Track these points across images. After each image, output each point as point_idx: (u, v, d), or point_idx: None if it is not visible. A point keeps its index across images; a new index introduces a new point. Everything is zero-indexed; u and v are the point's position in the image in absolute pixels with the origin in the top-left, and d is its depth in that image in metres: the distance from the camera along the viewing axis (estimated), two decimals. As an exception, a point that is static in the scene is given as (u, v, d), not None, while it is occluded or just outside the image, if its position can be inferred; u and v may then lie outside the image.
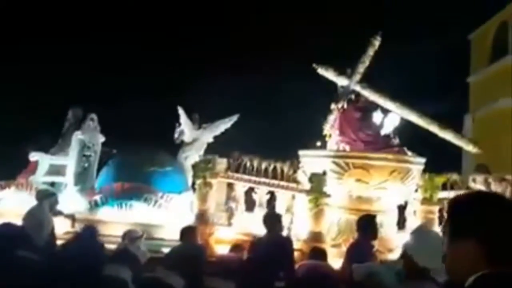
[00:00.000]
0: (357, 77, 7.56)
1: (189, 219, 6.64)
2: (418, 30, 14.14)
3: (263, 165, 7.03)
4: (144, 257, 5.27)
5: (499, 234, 1.11)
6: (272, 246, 4.79)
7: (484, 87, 15.70)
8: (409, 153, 7.25)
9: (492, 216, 1.14)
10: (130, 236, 5.36)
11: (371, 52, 7.56)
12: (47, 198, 5.19)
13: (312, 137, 8.08)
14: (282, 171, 7.77)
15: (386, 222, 7.20)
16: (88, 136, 7.78)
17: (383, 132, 7.34)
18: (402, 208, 7.58)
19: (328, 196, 6.53)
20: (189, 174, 8.00)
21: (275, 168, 7.53)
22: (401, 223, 7.65)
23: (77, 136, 7.56)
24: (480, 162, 12.47)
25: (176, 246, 5.60)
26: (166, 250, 6.05)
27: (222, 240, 6.46)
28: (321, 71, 7.64)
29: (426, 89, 13.58)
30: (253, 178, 6.90)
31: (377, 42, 7.55)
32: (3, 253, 4.51)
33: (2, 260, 4.48)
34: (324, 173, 6.61)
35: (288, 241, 5.05)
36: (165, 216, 6.80)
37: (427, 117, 7.65)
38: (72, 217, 6.70)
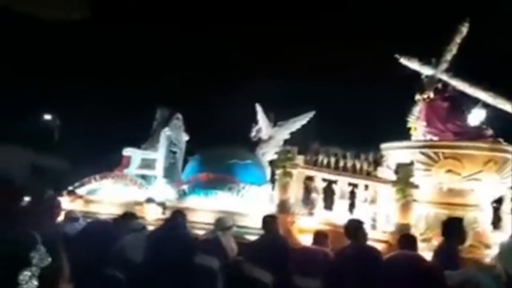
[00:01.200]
0: (444, 65, 7.22)
1: (270, 209, 6.72)
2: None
3: (344, 162, 6.90)
4: (232, 251, 5.42)
5: None
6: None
7: None
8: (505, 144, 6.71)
9: None
10: (221, 225, 5.56)
11: (458, 39, 7.20)
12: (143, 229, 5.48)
13: (390, 131, 7.82)
14: (361, 166, 7.60)
15: (481, 217, 6.70)
16: (174, 134, 8.31)
17: None
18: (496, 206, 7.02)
19: (416, 187, 6.24)
20: (267, 169, 8.16)
21: (354, 163, 7.37)
22: (496, 222, 7.08)
23: (166, 133, 8.10)
24: None
25: (258, 237, 5.68)
26: (249, 237, 6.20)
27: (304, 230, 6.44)
28: (404, 61, 7.42)
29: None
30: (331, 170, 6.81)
31: (464, 29, 7.19)
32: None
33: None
34: (412, 163, 6.34)
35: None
36: (247, 205, 6.96)
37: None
38: (163, 205, 7.12)
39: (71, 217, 6.11)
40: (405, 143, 6.95)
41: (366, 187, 6.56)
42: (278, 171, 6.74)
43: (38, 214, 5.87)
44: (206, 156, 7.63)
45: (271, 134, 8.55)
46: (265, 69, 11.32)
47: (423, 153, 6.49)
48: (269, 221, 5.64)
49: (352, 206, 6.69)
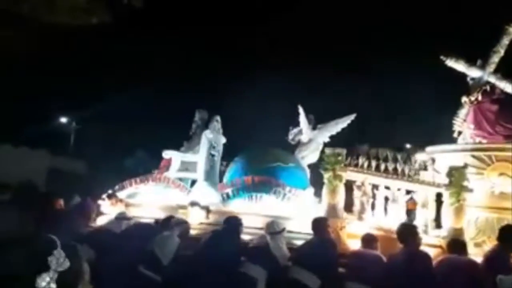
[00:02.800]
0: (492, 67, 7.12)
1: (316, 213, 6.64)
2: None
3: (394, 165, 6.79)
4: (284, 257, 5.33)
5: None
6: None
7: None
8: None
9: None
10: (271, 230, 5.48)
11: (506, 41, 7.10)
12: (178, 226, 5.46)
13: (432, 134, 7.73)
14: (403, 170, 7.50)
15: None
16: (213, 137, 8.25)
17: None
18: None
19: (470, 190, 6.13)
20: (308, 173, 8.09)
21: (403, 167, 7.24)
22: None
23: (207, 135, 8.03)
24: None
25: (308, 240, 5.60)
26: (295, 242, 6.10)
27: (354, 235, 6.34)
28: (450, 63, 7.32)
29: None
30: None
31: (512, 30, 7.08)
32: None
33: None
34: (465, 166, 6.23)
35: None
36: (293, 209, 6.88)
37: None
38: (206, 209, 7.05)
39: (121, 217, 6.15)
40: (455, 146, 6.86)
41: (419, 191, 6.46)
42: (327, 174, 6.65)
43: (64, 219, 5.94)
44: (249, 159, 7.57)
45: (311, 137, 8.46)
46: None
47: (475, 156, 6.38)
48: (319, 223, 5.57)
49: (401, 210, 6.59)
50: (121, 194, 7.55)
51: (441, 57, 7.40)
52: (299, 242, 5.89)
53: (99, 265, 4.24)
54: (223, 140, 8.62)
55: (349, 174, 6.65)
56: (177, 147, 8.65)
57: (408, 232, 5.15)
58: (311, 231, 5.59)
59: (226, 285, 4.88)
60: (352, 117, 8.45)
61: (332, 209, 6.64)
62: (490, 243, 6.11)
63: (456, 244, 5.26)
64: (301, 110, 8.22)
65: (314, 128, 8.62)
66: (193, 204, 7.10)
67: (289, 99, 8.76)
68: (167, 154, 8.25)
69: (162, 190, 7.78)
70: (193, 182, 8.17)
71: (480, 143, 6.72)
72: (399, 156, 6.54)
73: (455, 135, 7.50)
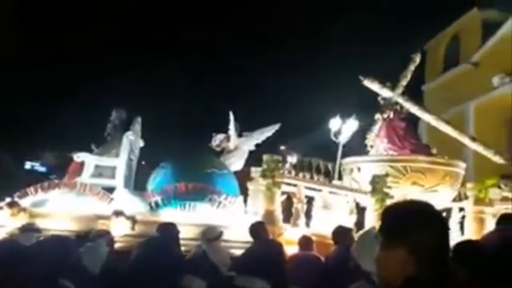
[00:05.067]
0: (400, 89, 8.11)
1: (252, 221, 6.56)
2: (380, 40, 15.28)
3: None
4: (224, 264, 5.10)
5: (424, 243, 1.19)
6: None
7: (437, 95, 15.99)
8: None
9: (418, 226, 1.21)
10: (208, 236, 5.19)
11: (412, 67, 8.19)
12: (101, 237, 4.96)
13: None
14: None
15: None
16: (134, 139, 7.55)
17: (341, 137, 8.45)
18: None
19: (392, 197, 6.81)
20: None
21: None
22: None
23: (128, 137, 7.30)
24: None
25: (249, 247, 5.50)
26: (234, 251, 5.92)
27: (291, 241, 6.43)
28: (367, 83, 8.11)
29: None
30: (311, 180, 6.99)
31: (417, 59, 8.22)
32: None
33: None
34: (387, 175, 6.91)
35: None
36: (228, 217, 6.65)
37: (458, 129, 8.36)
38: (132, 219, 6.34)
39: (28, 228, 5.19)
40: (378, 157, 7.55)
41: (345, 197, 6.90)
42: (265, 181, 6.63)
43: None
44: (181, 165, 7.06)
45: (237, 144, 8.38)
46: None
47: (392, 167, 7.13)
48: (257, 227, 5.47)
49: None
50: (24, 202, 6.29)
51: (360, 76, 8.16)
52: (237, 251, 5.71)
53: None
54: (141, 143, 7.94)
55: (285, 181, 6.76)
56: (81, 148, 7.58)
57: (341, 232, 5.33)
58: (249, 239, 5.44)
59: None
60: (277, 126, 8.67)
61: (269, 215, 6.64)
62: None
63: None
64: (231, 116, 8.09)
65: (240, 135, 8.57)
66: (118, 213, 6.31)
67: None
68: (79, 157, 7.19)
69: (74, 198, 6.73)
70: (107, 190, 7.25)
71: (399, 155, 7.57)
72: (329, 166, 6.92)
73: (368, 148, 8.29)
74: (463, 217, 7.30)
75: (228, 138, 8.25)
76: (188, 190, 6.67)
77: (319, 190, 6.81)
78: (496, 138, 9.99)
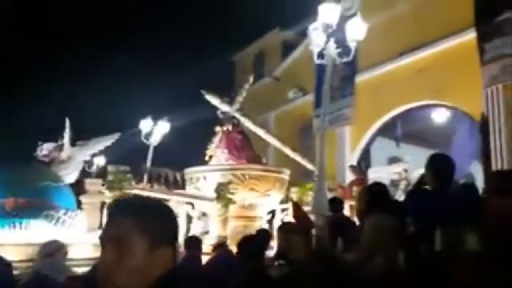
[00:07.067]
0: (237, 105, 8.94)
1: (91, 237, 6.19)
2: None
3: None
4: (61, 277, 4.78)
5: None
6: None
7: (247, 104, 17.87)
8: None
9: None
10: (47, 250, 4.74)
11: (247, 86, 9.15)
12: None
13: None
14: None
15: (260, 227, 8.58)
16: None
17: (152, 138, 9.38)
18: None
19: (234, 202, 7.43)
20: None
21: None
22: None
23: None
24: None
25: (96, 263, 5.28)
26: (77, 269, 5.51)
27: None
28: (209, 97, 8.65)
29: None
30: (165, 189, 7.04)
31: (251, 79, 9.24)
32: None
33: None
34: (230, 182, 7.50)
35: None
36: (69, 233, 6.04)
37: (281, 141, 9.80)
38: None
39: None
40: (222, 166, 8.07)
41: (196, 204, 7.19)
42: (112, 193, 6.30)
43: None
44: (8, 178, 6.01)
45: (69, 154, 7.64)
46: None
47: (234, 175, 7.79)
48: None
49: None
50: None
51: (202, 90, 8.63)
52: (80, 270, 5.33)
53: None
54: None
55: (133, 193, 6.57)
56: None
57: (190, 241, 5.55)
58: (93, 256, 5.17)
59: None
60: (116, 136, 8.31)
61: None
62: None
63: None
64: (67, 123, 7.37)
65: (73, 144, 7.86)
66: None
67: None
68: None
69: None
70: None
71: (238, 164, 8.24)
72: (178, 175, 7.09)
73: (207, 158, 8.80)
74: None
75: (60, 148, 7.46)
76: (19, 206, 5.78)
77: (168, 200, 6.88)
78: (293, 143, 11.68)
